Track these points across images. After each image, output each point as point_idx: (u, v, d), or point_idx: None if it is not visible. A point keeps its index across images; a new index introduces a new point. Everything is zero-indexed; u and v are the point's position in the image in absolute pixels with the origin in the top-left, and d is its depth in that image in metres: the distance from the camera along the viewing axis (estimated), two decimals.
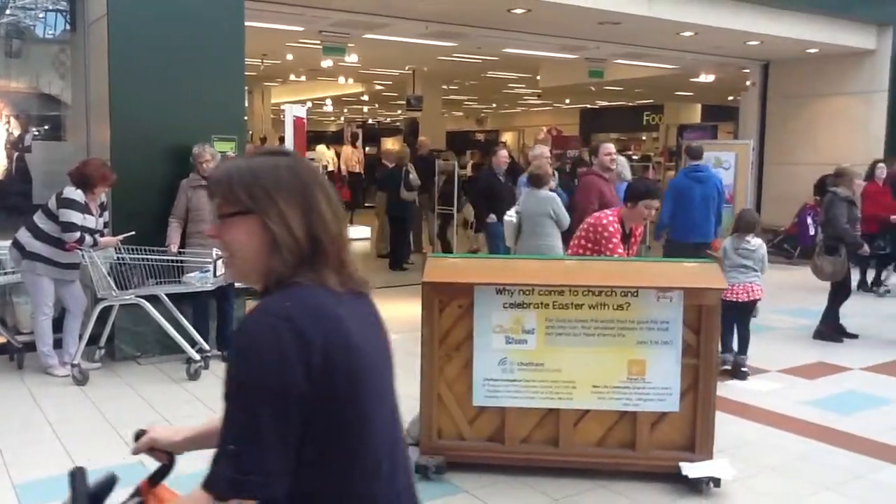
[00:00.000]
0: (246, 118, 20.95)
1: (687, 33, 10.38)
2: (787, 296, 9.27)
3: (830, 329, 7.31)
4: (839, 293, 7.34)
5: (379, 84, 20.86)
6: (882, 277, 9.83)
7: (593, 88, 20.35)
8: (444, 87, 20.81)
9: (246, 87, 7.67)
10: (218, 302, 6.38)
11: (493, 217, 8.22)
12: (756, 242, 6.02)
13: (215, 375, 5.89)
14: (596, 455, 4.10)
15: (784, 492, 4.03)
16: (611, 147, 7.21)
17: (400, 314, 8.18)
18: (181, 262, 5.99)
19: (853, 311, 7.70)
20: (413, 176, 11.11)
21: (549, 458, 4.10)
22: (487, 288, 4.03)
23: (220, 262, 6.02)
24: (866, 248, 7.38)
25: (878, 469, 4.33)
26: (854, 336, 7.34)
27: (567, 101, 26.88)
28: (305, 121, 8.34)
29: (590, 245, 4.85)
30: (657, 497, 3.91)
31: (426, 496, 3.82)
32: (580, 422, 4.09)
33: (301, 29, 10.78)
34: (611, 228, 4.75)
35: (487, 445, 4.12)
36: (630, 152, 21.25)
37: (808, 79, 12.58)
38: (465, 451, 4.12)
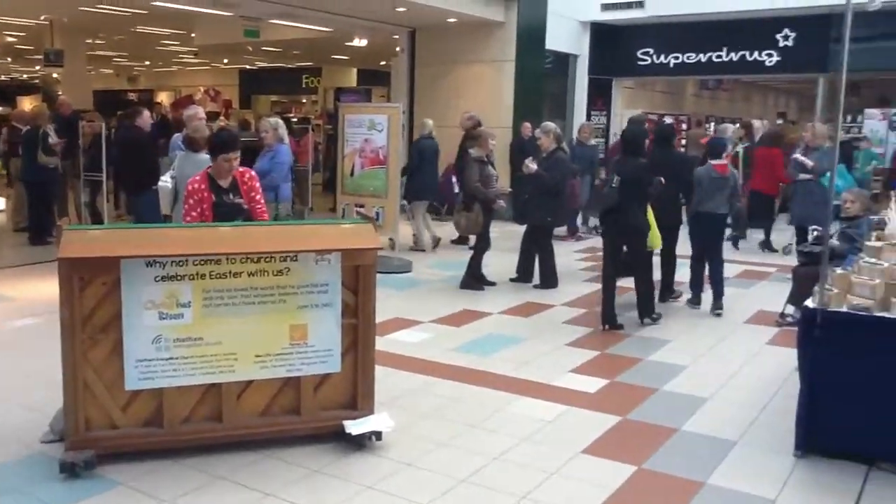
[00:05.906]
0: None
1: None
2: (437, 250, 10.02)
3: (473, 279, 8.04)
4: (480, 245, 8.10)
5: (10, 35, 18.35)
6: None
7: (251, 48, 19.91)
8: (89, 41, 18.96)
9: None
10: None
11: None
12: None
13: None
14: (261, 425, 4.08)
15: (438, 434, 4.37)
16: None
17: (43, 294, 7.43)
18: None
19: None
20: (53, 138, 10.00)
21: (212, 436, 4.00)
22: (135, 261, 3.76)
23: None
24: (501, 203, 8.14)
25: (513, 401, 4.90)
26: (493, 284, 8.16)
27: (225, 60, 26.04)
28: None
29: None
30: (323, 458, 4.02)
31: (76, 496, 3.55)
32: (243, 394, 4.04)
33: None
34: (191, 194, 4.61)
35: (144, 431, 3.90)
36: (291, 115, 21.20)
37: (451, 47, 13.51)
38: (119, 441, 3.85)
